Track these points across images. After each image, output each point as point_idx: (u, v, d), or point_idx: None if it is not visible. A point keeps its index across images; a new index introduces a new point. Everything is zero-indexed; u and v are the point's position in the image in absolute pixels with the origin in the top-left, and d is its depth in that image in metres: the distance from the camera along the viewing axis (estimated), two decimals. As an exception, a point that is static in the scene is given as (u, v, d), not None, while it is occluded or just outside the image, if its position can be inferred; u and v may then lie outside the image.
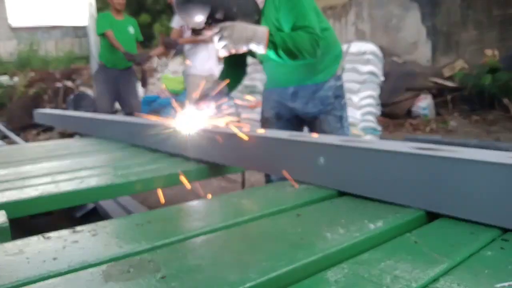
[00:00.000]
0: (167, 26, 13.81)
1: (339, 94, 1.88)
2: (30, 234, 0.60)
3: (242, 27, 1.48)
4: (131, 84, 4.46)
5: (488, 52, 6.36)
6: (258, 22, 1.65)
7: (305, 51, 1.56)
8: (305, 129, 2.09)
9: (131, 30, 4.43)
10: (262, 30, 1.51)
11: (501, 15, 6.62)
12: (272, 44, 1.51)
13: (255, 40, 1.49)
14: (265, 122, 2.04)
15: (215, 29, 1.48)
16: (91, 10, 6.03)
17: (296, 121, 2.02)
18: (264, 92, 2.08)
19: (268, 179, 2.01)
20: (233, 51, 1.51)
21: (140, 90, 5.59)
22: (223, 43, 1.47)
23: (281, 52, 1.54)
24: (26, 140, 6.63)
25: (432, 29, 7.56)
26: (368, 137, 4.36)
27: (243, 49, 1.51)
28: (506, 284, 0.43)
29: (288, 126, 1.97)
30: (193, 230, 0.61)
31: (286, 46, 1.53)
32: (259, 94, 5.22)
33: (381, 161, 0.72)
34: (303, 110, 1.91)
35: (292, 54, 1.55)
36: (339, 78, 1.88)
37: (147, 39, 4.36)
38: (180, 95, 7.48)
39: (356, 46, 4.54)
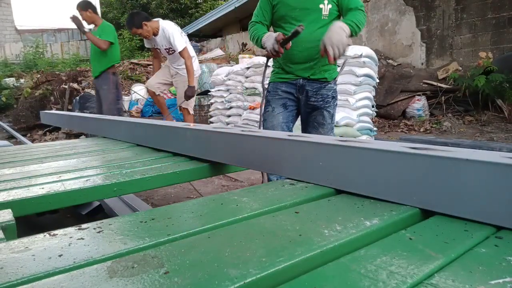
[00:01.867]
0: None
1: (334, 96, 2.21)
2: (36, 232, 0.61)
3: (336, 33, 1.86)
4: (102, 91, 4.73)
5: (482, 54, 6.41)
6: None
7: (363, 25, 1.99)
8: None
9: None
10: (344, 26, 1.89)
11: (495, 18, 6.67)
12: (351, 31, 1.92)
13: (345, 31, 1.88)
14: (270, 113, 2.25)
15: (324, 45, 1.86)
16: (96, 14, 6.03)
17: (297, 113, 2.29)
18: (270, 85, 2.29)
19: (268, 179, 2.14)
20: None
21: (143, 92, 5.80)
22: (337, 49, 1.84)
23: (357, 32, 1.96)
24: (33, 141, 6.63)
25: (427, 32, 7.61)
26: (364, 137, 4.38)
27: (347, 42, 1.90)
28: (500, 280, 0.44)
29: (290, 116, 2.25)
30: (195, 227, 0.62)
31: (357, 28, 1.95)
32: (259, 96, 5.25)
33: (376, 160, 0.73)
34: (306, 101, 2.20)
35: (358, 31, 1.98)
36: (335, 82, 2.22)
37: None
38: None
39: (353, 50, 4.59)
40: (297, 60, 2.14)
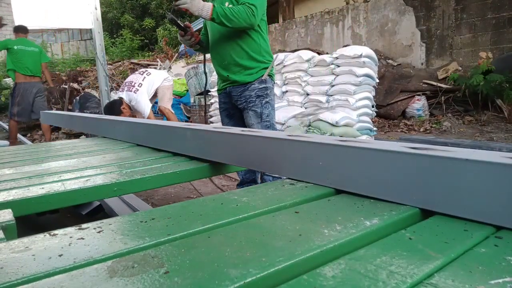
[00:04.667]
0: (170, 30, 13.83)
1: (261, 95, 2.29)
2: (37, 232, 0.61)
3: (197, 1, 2.06)
4: None
5: (482, 54, 6.41)
6: None
7: (241, 18, 2.06)
8: None
9: None
10: (209, 3, 2.08)
11: (495, 18, 6.67)
12: (215, 12, 2.05)
13: (204, 8, 2.05)
14: (222, 123, 2.47)
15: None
16: (96, 13, 6.08)
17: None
18: (218, 99, 2.51)
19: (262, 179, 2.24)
20: (189, 11, 2.07)
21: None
22: (185, 4, 2.03)
23: (221, 18, 2.05)
24: (33, 141, 6.64)
25: (427, 32, 7.61)
26: (364, 137, 4.38)
27: (197, 13, 2.06)
28: (500, 280, 0.44)
29: (240, 123, 2.40)
30: (195, 227, 0.62)
31: (225, 13, 2.05)
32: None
33: (376, 160, 0.73)
34: (236, 105, 2.36)
35: (230, 20, 2.06)
36: (263, 81, 2.31)
37: (151, 43, 4.61)
38: (183, 97, 7.54)
39: (353, 50, 4.59)
40: (216, 62, 2.37)
